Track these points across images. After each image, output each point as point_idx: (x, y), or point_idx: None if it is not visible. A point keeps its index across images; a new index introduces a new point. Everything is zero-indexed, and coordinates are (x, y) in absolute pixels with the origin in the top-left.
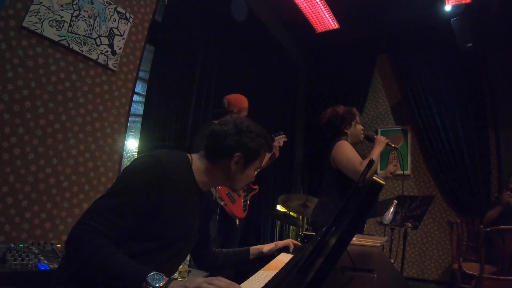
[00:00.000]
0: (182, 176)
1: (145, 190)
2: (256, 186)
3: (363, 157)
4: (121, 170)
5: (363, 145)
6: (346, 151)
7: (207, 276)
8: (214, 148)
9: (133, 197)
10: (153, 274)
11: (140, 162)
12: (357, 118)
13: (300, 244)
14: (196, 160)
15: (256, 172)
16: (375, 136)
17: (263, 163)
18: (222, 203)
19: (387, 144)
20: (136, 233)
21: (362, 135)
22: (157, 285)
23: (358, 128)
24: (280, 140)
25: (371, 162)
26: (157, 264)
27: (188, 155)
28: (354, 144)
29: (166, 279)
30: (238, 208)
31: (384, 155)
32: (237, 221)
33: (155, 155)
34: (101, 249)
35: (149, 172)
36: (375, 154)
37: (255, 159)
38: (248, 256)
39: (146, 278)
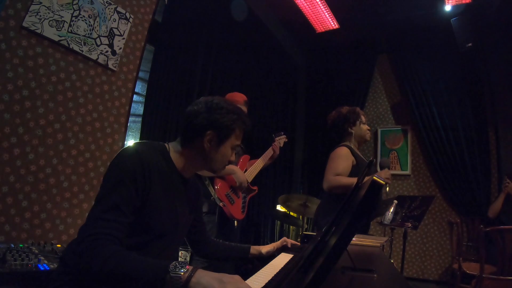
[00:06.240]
0: (161, 165)
1: (133, 183)
2: (255, 187)
3: (363, 160)
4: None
5: (364, 146)
6: (336, 157)
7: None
8: (187, 129)
9: (125, 191)
10: (175, 263)
11: (119, 159)
12: (362, 117)
13: (298, 243)
14: (173, 148)
15: (233, 152)
16: (386, 167)
17: (266, 162)
18: (220, 204)
19: (385, 181)
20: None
21: (369, 135)
22: (181, 271)
23: (363, 128)
24: (280, 140)
25: (371, 162)
26: (151, 256)
27: (166, 144)
28: (359, 144)
29: (190, 267)
30: (237, 209)
31: (384, 155)
32: (235, 222)
33: (132, 148)
34: (113, 254)
35: (130, 165)
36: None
37: (228, 136)
38: (248, 253)
39: (169, 269)
